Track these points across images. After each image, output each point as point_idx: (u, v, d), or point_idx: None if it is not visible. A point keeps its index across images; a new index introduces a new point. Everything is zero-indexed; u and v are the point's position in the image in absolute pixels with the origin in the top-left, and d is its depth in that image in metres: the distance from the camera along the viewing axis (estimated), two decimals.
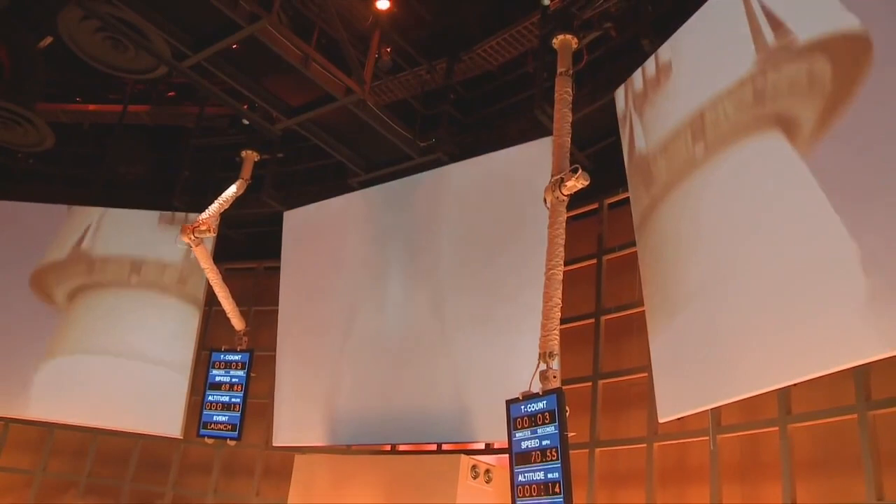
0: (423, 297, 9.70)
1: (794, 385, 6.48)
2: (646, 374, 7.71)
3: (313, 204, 11.40)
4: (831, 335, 5.81)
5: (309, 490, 9.47)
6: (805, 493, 6.73)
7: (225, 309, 10.70)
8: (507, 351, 8.44)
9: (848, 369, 6.06)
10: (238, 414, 10.37)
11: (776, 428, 7.09)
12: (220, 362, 10.70)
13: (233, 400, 10.45)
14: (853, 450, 6.35)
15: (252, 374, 10.51)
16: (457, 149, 10.35)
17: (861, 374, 6.42)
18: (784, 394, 6.95)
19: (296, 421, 10.59)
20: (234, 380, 10.54)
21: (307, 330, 10.84)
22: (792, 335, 6.12)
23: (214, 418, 10.43)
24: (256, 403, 11.01)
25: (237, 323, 10.81)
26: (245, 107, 10.68)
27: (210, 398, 10.54)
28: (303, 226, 11.46)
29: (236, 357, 10.67)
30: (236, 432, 10.30)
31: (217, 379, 10.60)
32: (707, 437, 7.54)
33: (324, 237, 11.09)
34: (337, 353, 10.34)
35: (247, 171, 10.86)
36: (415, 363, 9.48)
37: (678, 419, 7.27)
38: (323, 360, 10.47)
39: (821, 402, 6.80)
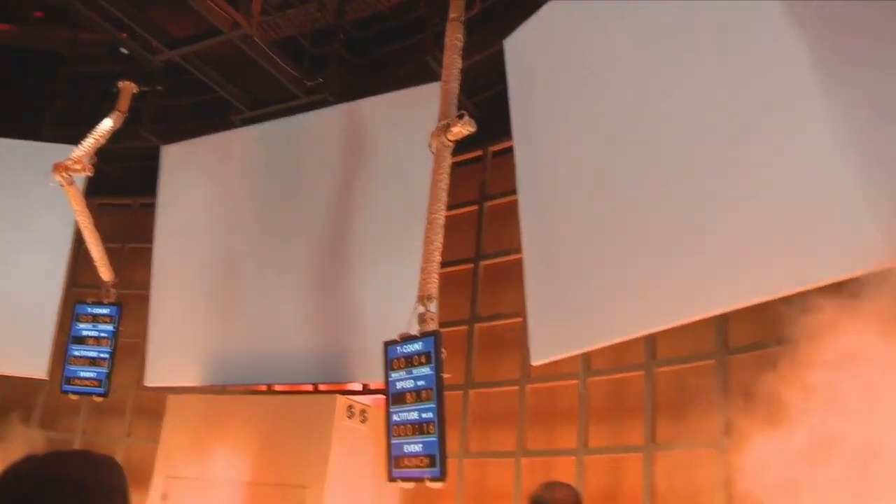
0: (302, 237, 9.60)
1: (661, 331, 6.85)
2: (521, 319, 7.89)
3: (194, 139, 11.04)
4: (697, 284, 6.16)
5: (182, 430, 9.33)
6: (664, 432, 7.11)
7: (93, 257, 10.26)
8: (385, 293, 8.50)
9: (710, 317, 6.46)
10: (105, 370, 10.00)
11: (642, 372, 7.43)
12: (85, 315, 10.25)
13: (100, 355, 10.07)
14: (708, 392, 6.71)
15: (120, 328, 10.21)
16: (345, 90, 10.20)
17: (721, 322, 6.76)
18: (651, 340, 7.28)
19: (169, 361, 10.36)
20: (101, 334, 10.16)
21: (183, 268, 10.56)
22: (660, 285, 6.43)
23: (80, 374, 10.02)
24: (127, 343, 10.71)
25: (105, 273, 10.35)
26: (125, 36, 10.20)
27: (74, 353, 10.10)
28: (182, 161, 11.09)
29: (104, 310, 10.26)
30: (103, 388, 9.98)
31: (83, 333, 10.18)
32: (577, 381, 7.84)
33: (203, 174, 10.78)
34: (213, 293, 10.14)
35: (124, 103, 10.43)
36: (292, 303, 9.42)
37: (550, 363, 7.52)
38: (199, 299, 10.26)
39: (683, 348, 7.14)
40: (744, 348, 6.72)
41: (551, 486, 2.78)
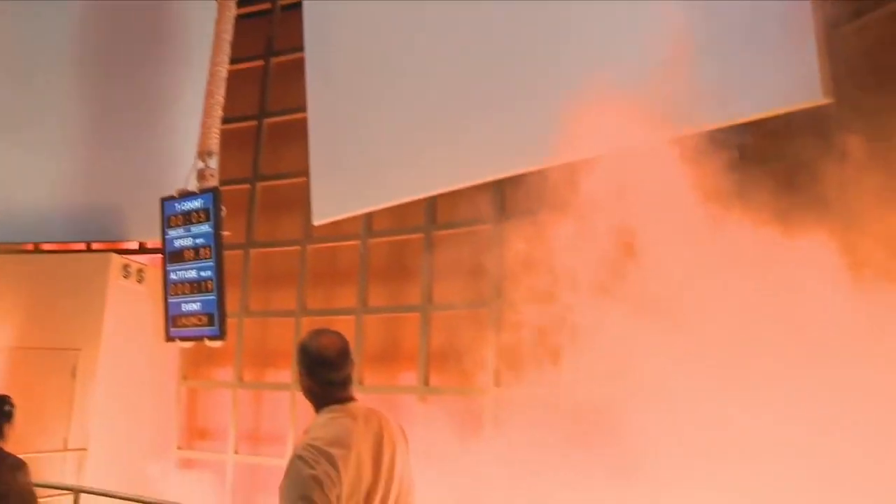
0: (71, 85, 8.89)
1: (441, 195, 7.05)
2: (304, 179, 7.84)
3: None
4: (477, 150, 6.38)
5: None
6: (440, 292, 7.42)
7: None
8: (163, 147, 8.18)
9: (489, 183, 6.71)
10: None
11: (421, 235, 7.63)
12: None
13: None
14: (483, 254, 7.01)
15: None
16: None
17: (498, 187, 7.02)
18: (430, 203, 7.46)
19: None
20: None
21: None
22: (442, 149, 6.62)
23: None
24: None
25: None
26: None
27: None
28: None
29: None
30: None
31: None
32: (358, 242, 7.96)
33: None
34: None
35: None
36: (60, 155, 8.78)
37: (332, 223, 7.59)
38: None
39: (462, 212, 7.37)
40: (518, 214, 7.00)
41: (318, 332, 2.84)
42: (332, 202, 7.41)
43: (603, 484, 5.01)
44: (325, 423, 2.62)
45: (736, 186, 4.79)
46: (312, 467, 2.44)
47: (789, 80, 4.97)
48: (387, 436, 2.68)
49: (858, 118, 4.67)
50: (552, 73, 5.93)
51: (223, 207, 6.79)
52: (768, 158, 5.21)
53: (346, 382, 2.74)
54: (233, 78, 7.41)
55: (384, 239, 7.91)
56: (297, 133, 7.95)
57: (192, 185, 6.94)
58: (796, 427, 4.12)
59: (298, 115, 8.03)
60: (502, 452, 5.96)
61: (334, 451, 2.49)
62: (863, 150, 4.41)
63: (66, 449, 7.78)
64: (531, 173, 6.00)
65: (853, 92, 4.82)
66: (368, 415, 2.70)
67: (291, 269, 8.38)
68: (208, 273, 6.84)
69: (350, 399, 2.72)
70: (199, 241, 6.87)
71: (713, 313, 4.59)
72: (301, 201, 8.04)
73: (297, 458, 2.48)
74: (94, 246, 8.88)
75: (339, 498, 2.46)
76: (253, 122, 8.87)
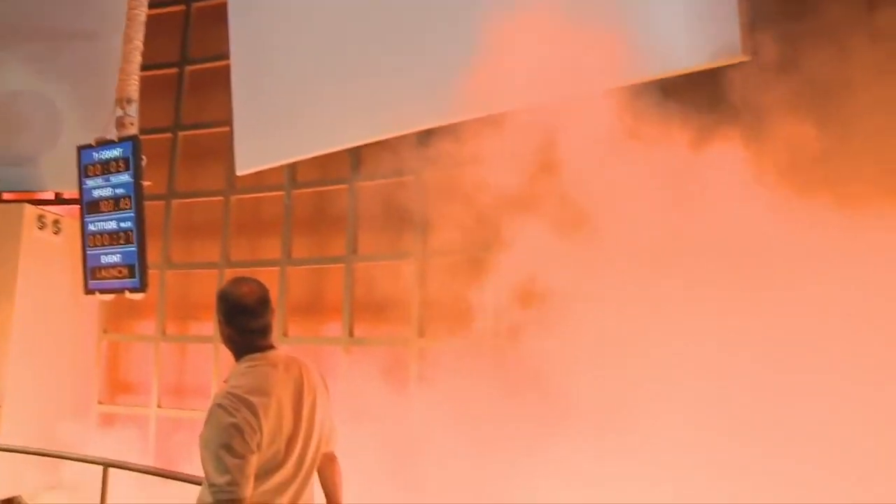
0: None
1: (366, 147, 7.01)
2: (227, 128, 7.70)
3: None
4: (398, 102, 6.37)
5: None
6: (365, 244, 7.43)
7: None
8: (80, 95, 7.94)
9: (413, 133, 6.69)
10: None
11: (346, 185, 7.59)
12: None
13: None
14: (408, 206, 7.01)
15: None
16: None
17: (423, 137, 7.00)
18: (355, 153, 7.40)
19: None
20: None
21: None
22: (365, 100, 6.58)
23: None
24: None
25: None
26: None
27: None
28: None
29: None
30: None
31: None
32: (282, 192, 7.88)
33: None
34: None
35: None
36: None
37: (256, 173, 7.48)
38: None
39: (386, 163, 7.34)
40: (436, 166, 7.00)
41: (238, 280, 2.84)
42: (255, 152, 7.32)
43: (533, 429, 5.14)
44: (245, 372, 2.62)
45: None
46: (233, 415, 2.45)
47: (710, 36, 5.08)
48: (307, 383, 2.70)
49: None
50: (477, 25, 5.91)
51: (143, 157, 6.63)
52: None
53: (265, 330, 2.75)
54: (153, 22, 7.18)
55: (308, 190, 7.84)
56: (220, 81, 7.80)
57: (111, 134, 6.76)
58: (713, 339, 4.31)
59: (221, 63, 7.87)
60: (428, 401, 6.06)
61: (254, 398, 2.50)
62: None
63: None
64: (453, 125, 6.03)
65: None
66: (289, 363, 2.71)
67: (214, 220, 8.25)
68: (128, 224, 6.69)
69: (270, 347, 2.73)
70: (119, 191, 6.71)
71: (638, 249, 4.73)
72: (224, 151, 7.91)
73: (218, 406, 2.49)
74: (6, 196, 8.56)
75: (259, 445, 2.48)
76: (174, 69, 8.64)
